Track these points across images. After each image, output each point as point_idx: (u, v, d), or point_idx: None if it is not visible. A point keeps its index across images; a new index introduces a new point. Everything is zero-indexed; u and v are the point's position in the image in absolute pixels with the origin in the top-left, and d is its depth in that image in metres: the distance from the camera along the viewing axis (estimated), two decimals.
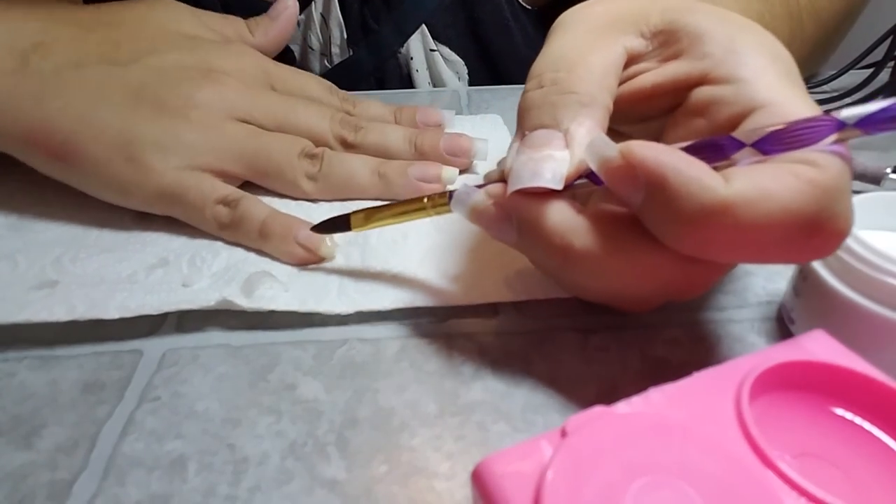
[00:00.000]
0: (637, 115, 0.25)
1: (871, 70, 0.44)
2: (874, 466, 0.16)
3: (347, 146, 0.34)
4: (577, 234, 0.20)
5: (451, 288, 0.27)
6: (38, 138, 0.30)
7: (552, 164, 0.21)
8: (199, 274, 0.28)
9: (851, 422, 0.17)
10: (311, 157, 0.32)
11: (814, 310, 0.24)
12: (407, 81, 0.51)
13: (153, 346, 0.26)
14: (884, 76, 0.43)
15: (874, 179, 0.35)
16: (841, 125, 0.18)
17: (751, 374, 0.17)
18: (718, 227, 0.18)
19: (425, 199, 0.25)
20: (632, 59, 0.24)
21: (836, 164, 0.18)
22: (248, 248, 0.30)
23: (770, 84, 0.21)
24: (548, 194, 0.21)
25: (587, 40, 0.23)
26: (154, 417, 0.22)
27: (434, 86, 0.51)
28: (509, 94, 0.46)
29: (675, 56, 0.23)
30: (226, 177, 0.31)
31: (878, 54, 0.41)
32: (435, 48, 0.49)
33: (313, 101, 0.36)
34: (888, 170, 0.35)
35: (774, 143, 0.19)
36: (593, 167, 0.20)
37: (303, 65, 0.51)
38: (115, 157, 0.30)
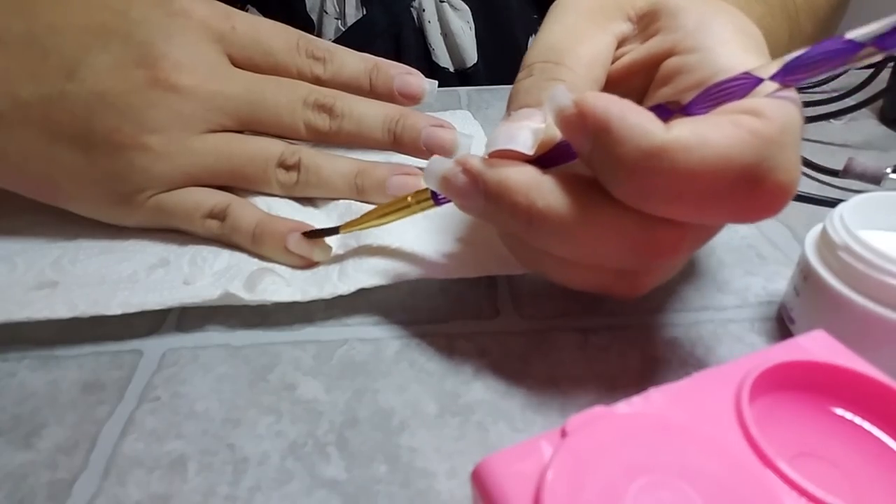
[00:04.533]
0: (622, 95, 0.25)
1: (871, 70, 0.44)
2: (874, 466, 0.16)
3: (320, 135, 0.32)
4: (541, 193, 0.20)
5: (449, 262, 0.27)
6: (14, 181, 0.30)
7: (526, 132, 0.21)
8: (200, 273, 0.28)
9: (851, 422, 0.17)
10: (288, 167, 0.31)
11: (814, 310, 0.24)
12: (420, 34, 0.53)
13: (153, 346, 0.26)
14: (884, 76, 0.43)
15: (874, 179, 0.35)
16: (758, 81, 0.19)
17: (751, 374, 0.17)
18: (655, 171, 0.18)
19: (409, 198, 0.26)
20: (619, 44, 0.25)
21: (782, 115, 0.18)
22: None
23: (733, 52, 0.21)
24: (515, 159, 0.21)
25: (577, 29, 0.24)
26: (154, 417, 0.22)
27: (445, 36, 0.53)
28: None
29: (654, 34, 0.24)
30: (206, 185, 0.31)
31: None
32: None
33: (280, 81, 0.31)
34: (888, 170, 0.35)
35: (698, 105, 0.20)
36: (551, 117, 0.20)
37: (319, 31, 0.52)
38: (93, 196, 0.29)
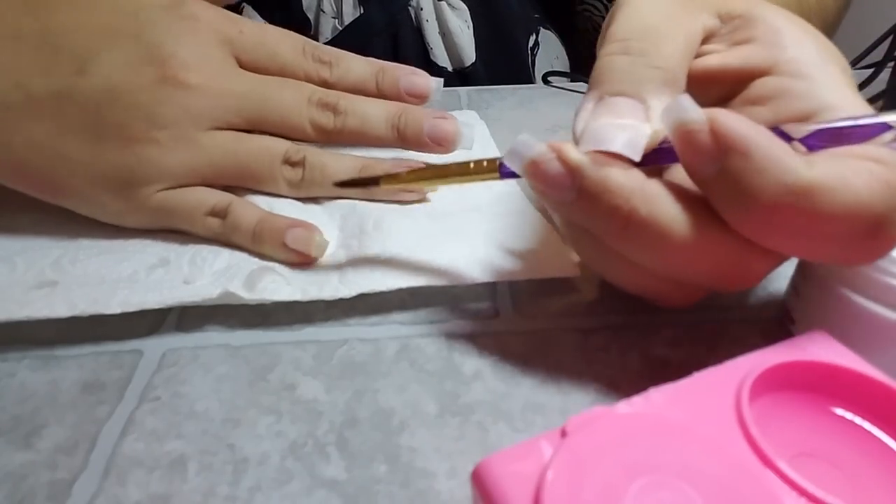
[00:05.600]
0: (696, 96, 0.24)
1: (871, 70, 0.44)
2: (874, 466, 0.16)
3: (326, 133, 0.32)
4: (644, 200, 0.19)
5: (450, 268, 0.27)
6: (15, 175, 0.30)
7: (632, 133, 0.20)
8: (200, 272, 0.28)
9: (851, 422, 0.17)
10: (293, 164, 0.31)
11: (814, 310, 0.24)
12: (418, 34, 0.52)
13: (153, 346, 0.26)
14: (884, 76, 0.43)
15: None
16: (887, 127, 0.18)
17: (751, 374, 0.17)
18: (794, 209, 0.18)
19: (471, 165, 0.25)
20: (704, 39, 0.24)
21: None
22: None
23: (840, 89, 0.21)
24: (618, 157, 0.20)
25: (672, 12, 0.23)
26: (154, 417, 0.22)
27: (443, 35, 0.53)
28: (509, 95, 0.46)
29: (745, 41, 0.23)
30: (211, 185, 0.31)
31: (878, 54, 0.41)
32: None
33: (286, 81, 0.32)
34: None
35: (821, 139, 0.19)
36: (669, 130, 0.19)
37: (316, 30, 0.52)
38: (97, 191, 0.29)
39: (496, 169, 0.24)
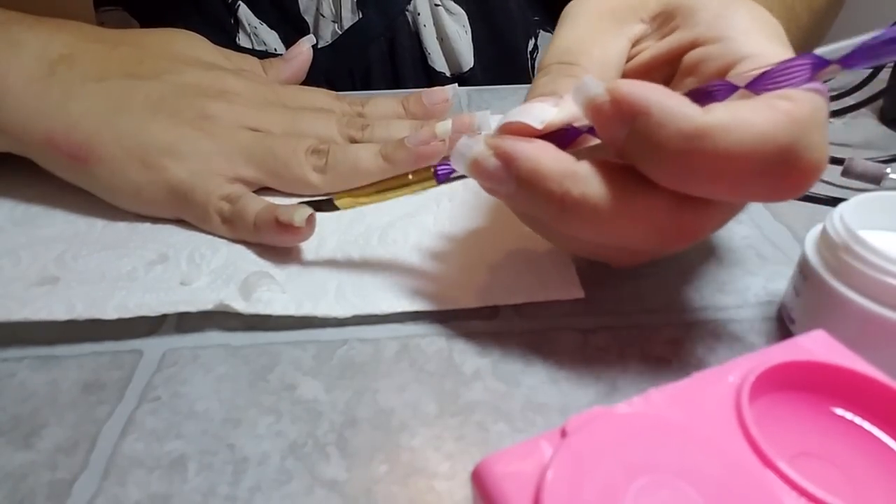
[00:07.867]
0: None
1: (870, 69, 0.44)
2: (874, 466, 0.16)
3: (355, 143, 0.35)
4: (575, 181, 0.21)
5: (450, 291, 0.27)
6: (59, 139, 0.31)
7: (539, 110, 0.22)
8: (197, 271, 0.28)
9: (851, 422, 0.17)
10: (318, 152, 0.33)
11: (814, 310, 0.24)
12: (416, 38, 0.53)
13: (153, 346, 0.26)
14: (883, 76, 0.43)
15: (874, 179, 0.35)
16: (825, 62, 0.19)
17: (751, 374, 0.17)
18: (697, 153, 0.19)
19: (410, 176, 0.26)
20: (634, 44, 0.26)
21: (811, 99, 0.19)
22: (247, 245, 0.30)
23: (755, 40, 0.22)
24: (549, 146, 0.21)
25: (590, 33, 0.25)
26: (154, 417, 0.22)
27: (441, 40, 0.53)
28: (509, 94, 0.46)
29: (671, 31, 0.25)
30: (239, 182, 0.33)
31: None
32: (439, 3, 0.51)
33: (322, 110, 0.37)
34: (888, 170, 0.35)
35: (765, 82, 0.20)
36: (580, 107, 0.21)
37: (315, 33, 0.52)
38: (132, 161, 0.31)
39: (433, 176, 0.25)
